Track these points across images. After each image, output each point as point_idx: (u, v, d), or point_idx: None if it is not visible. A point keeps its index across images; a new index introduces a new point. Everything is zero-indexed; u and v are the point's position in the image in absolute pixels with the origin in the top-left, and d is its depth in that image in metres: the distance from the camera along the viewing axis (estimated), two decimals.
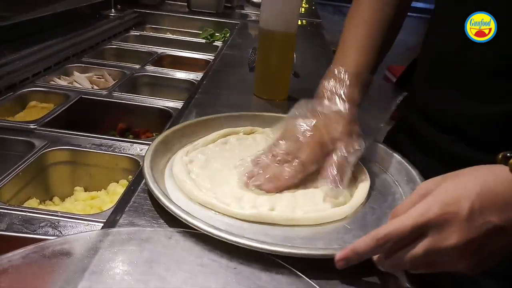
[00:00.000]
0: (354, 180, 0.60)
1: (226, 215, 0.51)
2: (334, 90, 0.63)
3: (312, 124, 0.60)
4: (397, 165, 0.64)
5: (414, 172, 0.60)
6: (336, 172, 0.56)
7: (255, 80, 0.94)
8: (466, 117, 0.59)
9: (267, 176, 0.57)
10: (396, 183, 0.62)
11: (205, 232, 0.45)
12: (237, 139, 0.69)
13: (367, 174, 0.61)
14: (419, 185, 0.45)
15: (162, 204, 0.49)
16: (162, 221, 0.49)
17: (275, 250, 0.44)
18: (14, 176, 0.65)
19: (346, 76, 0.64)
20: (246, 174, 0.58)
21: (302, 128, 0.60)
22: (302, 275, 0.42)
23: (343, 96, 0.62)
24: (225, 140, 0.68)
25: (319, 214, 0.53)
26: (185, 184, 0.55)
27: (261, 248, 0.44)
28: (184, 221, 0.46)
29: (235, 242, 0.44)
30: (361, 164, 0.62)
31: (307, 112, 0.61)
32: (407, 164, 0.62)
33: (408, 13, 0.77)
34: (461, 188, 0.41)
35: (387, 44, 0.72)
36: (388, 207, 0.56)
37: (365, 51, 0.67)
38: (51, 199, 0.72)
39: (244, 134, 0.70)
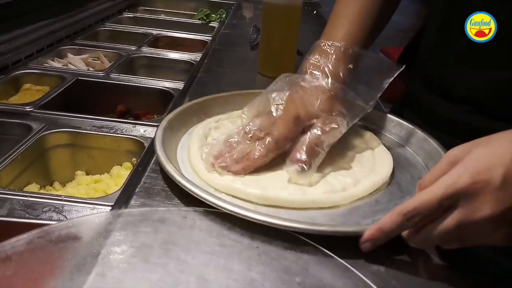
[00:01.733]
0: (371, 169, 0.55)
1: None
2: (318, 65, 0.58)
3: (286, 96, 0.55)
4: (429, 150, 0.59)
5: None
6: (305, 155, 0.51)
7: (259, 58, 0.90)
8: (481, 85, 0.57)
9: (234, 157, 0.52)
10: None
11: (226, 211, 0.42)
12: None
13: (389, 164, 0.56)
14: (446, 152, 0.42)
15: (174, 180, 0.46)
16: (177, 201, 0.46)
17: (305, 229, 0.41)
18: (12, 161, 0.61)
19: (333, 50, 0.58)
20: (214, 154, 0.52)
21: (276, 102, 0.54)
22: (331, 253, 0.39)
23: (326, 71, 0.57)
24: None
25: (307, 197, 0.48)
26: (192, 148, 0.55)
27: (290, 227, 0.41)
28: (200, 198, 0.44)
29: (263, 221, 0.41)
30: (386, 150, 0.59)
31: (285, 86, 0.56)
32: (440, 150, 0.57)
33: None
34: (493, 154, 0.38)
35: (383, 18, 0.67)
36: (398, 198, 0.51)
37: (357, 23, 0.62)
38: (51, 184, 0.69)
39: None
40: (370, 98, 0.58)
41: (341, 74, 0.57)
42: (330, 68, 0.57)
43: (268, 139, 0.52)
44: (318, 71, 0.57)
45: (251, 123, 0.54)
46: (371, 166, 0.56)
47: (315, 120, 0.53)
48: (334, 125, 0.53)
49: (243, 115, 0.55)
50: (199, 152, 0.54)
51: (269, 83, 0.87)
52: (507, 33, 0.52)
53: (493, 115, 0.56)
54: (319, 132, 0.52)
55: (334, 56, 0.58)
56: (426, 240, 0.40)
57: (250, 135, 0.53)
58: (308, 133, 0.53)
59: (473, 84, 0.58)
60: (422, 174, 0.56)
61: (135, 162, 0.66)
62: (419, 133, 0.62)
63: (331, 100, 0.55)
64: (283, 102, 0.54)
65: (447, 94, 0.62)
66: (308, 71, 0.58)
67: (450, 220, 0.38)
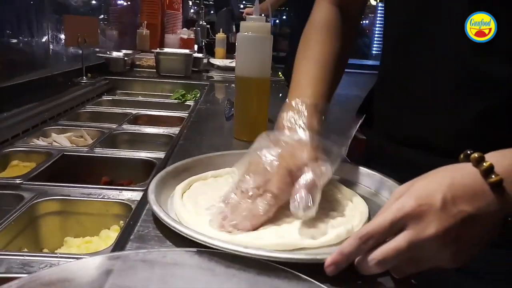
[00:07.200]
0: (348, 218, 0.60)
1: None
2: (293, 121, 0.64)
3: (277, 153, 0.59)
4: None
5: None
6: (304, 194, 0.54)
7: (235, 124, 0.98)
8: (435, 129, 0.64)
9: (243, 214, 0.54)
10: None
11: (228, 251, 0.46)
12: None
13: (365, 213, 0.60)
14: (393, 191, 0.48)
15: (162, 220, 0.50)
16: (169, 243, 0.50)
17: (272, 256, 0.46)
18: (4, 228, 0.64)
19: (304, 107, 0.65)
20: (219, 214, 0.55)
21: (267, 159, 0.58)
22: (302, 275, 0.42)
23: (303, 126, 0.63)
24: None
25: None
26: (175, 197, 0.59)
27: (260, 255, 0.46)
28: (190, 237, 0.48)
29: (251, 254, 0.46)
30: (362, 200, 0.64)
31: (269, 143, 0.61)
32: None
33: (366, 71, 0.86)
34: (432, 183, 0.45)
35: (338, 74, 0.77)
36: None
37: (319, 82, 0.71)
38: (41, 251, 0.70)
39: None
40: (342, 144, 0.64)
41: (315, 125, 0.64)
42: (305, 121, 0.63)
43: (268, 195, 0.55)
44: (295, 126, 0.63)
45: (244, 182, 0.57)
46: (348, 215, 0.61)
47: (305, 169, 0.57)
48: (323, 168, 0.58)
49: (233, 174, 0.60)
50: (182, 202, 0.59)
51: (245, 145, 0.95)
52: (507, 33, 0.54)
53: (449, 156, 0.62)
54: (312, 176, 0.56)
55: (306, 111, 0.65)
56: (380, 262, 0.43)
57: (250, 193, 0.56)
58: (301, 179, 0.56)
59: (427, 128, 0.65)
60: None
61: (123, 224, 0.69)
62: (389, 181, 0.67)
63: (314, 150, 0.60)
64: (275, 158, 0.58)
65: (404, 140, 0.69)
66: (286, 126, 0.63)
67: (402, 239, 0.43)
